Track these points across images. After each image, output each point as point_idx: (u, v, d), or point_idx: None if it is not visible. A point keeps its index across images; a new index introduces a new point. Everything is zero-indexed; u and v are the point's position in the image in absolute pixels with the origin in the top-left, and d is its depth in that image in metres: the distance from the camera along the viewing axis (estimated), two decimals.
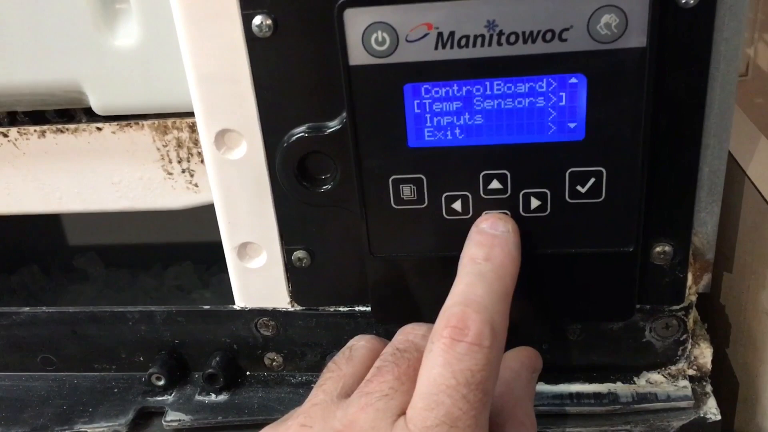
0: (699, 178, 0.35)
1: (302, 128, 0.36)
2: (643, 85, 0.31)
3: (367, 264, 0.37)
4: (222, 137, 0.37)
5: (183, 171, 0.47)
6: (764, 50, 0.65)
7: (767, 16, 0.64)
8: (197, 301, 0.67)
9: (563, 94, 0.32)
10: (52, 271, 0.71)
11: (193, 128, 0.45)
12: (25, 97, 0.44)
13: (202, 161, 0.46)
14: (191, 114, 0.44)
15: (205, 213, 0.48)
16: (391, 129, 0.34)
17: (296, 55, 0.34)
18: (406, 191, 0.35)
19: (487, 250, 0.33)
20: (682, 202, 0.35)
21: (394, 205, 0.35)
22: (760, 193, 0.41)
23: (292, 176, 0.37)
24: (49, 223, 0.74)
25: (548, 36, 0.31)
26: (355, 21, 0.31)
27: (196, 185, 0.47)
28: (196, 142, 0.46)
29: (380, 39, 0.32)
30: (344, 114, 0.34)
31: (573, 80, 0.32)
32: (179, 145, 0.46)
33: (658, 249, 0.37)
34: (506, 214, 0.35)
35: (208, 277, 0.69)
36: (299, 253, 0.39)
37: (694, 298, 0.39)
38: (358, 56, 0.32)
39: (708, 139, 0.34)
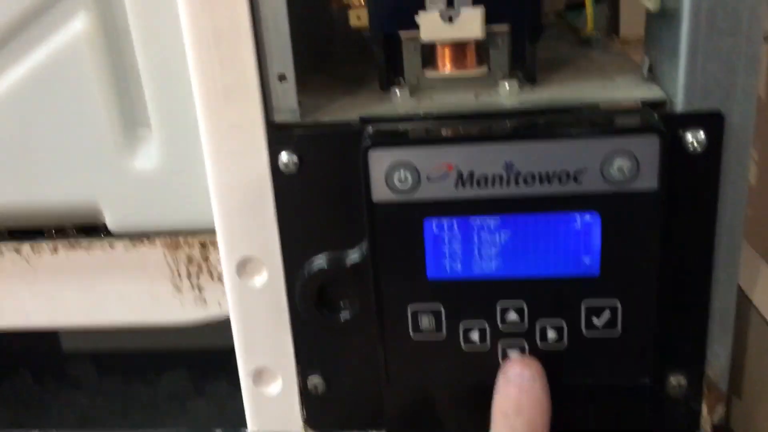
0: (711, 311, 0.36)
1: (322, 258, 0.37)
2: (655, 225, 0.33)
3: (384, 394, 0.38)
4: (244, 265, 0.38)
5: (192, 287, 0.48)
6: None
7: None
8: (191, 412, 0.66)
9: (578, 230, 0.33)
10: (45, 378, 0.70)
11: (204, 245, 0.46)
12: (42, 215, 0.46)
13: (211, 277, 0.47)
14: (202, 231, 0.45)
15: None
16: (410, 261, 0.35)
17: (319, 190, 0.35)
18: (425, 322, 0.36)
19: (516, 403, 0.34)
20: (695, 336, 0.36)
21: (412, 336, 0.36)
22: (766, 321, 0.42)
23: (312, 305, 0.37)
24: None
25: (563, 177, 0.32)
26: (380, 161, 0.33)
27: (204, 300, 0.48)
28: (206, 258, 0.47)
29: (403, 177, 0.33)
30: (364, 244, 0.35)
31: (587, 218, 0.33)
32: (189, 261, 0.47)
33: (672, 380, 0.37)
34: (534, 359, 0.36)
35: (203, 384, 0.68)
36: (314, 380, 0.39)
37: (709, 429, 0.39)
38: (381, 193, 0.33)
39: (718, 274, 0.35)
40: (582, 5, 0.39)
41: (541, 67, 0.38)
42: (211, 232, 0.45)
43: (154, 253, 0.47)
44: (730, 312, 0.36)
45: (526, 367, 0.35)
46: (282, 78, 0.34)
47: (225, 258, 0.38)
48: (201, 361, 0.69)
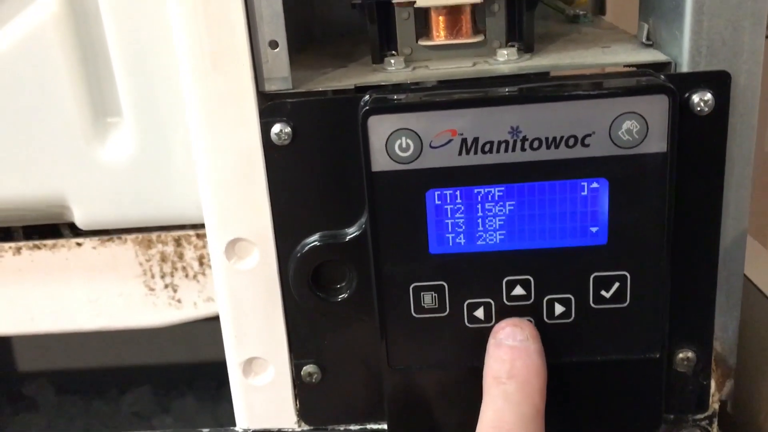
0: (718, 281, 0.35)
1: (317, 236, 0.35)
2: (664, 189, 0.32)
3: (384, 377, 0.36)
4: (233, 247, 0.36)
5: (166, 286, 0.46)
6: None
7: None
8: (158, 428, 0.63)
9: (586, 198, 0.32)
10: None
11: (178, 242, 0.44)
12: (7, 213, 0.43)
13: (186, 276, 0.45)
14: (177, 227, 0.43)
15: (163, 333, 0.46)
16: (412, 235, 0.33)
17: (313, 162, 0.34)
18: (427, 299, 0.34)
19: (509, 366, 0.32)
20: (703, 308, 0.35)
21: (414, 314, 0.34)
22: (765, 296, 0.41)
23: (306, 286, 0.35)
24: None
25: (571, 142, 0.31)
26: (380, 128, 0.31)
27: (178, 301, 0.46)
28: (181, 256, 0.45)
29: (404, 145, 0.32)
30: (362, 221, 0.34)
31: (595, 185, 0.32)
32: (163, 259, 0.45)
33: (681, 356, 0.36)
34: (527, 320, 0.34)
35: (168, 401, 0.65)
36: (309, 368, 0.37)
37: (717, 406, 0.38)
38: (381, 162, 0.32)
39: (726, 243, 0.34)
40: None
41: (536, 40, 0.37)
42: (187, 227, 0.43)
43: (125, 251, 0.44)
44: (738, 283, 0.35)
45: (518, 328, 0.33)
46: (274, 45, 0.33)
47: (213, 240, 0.36)
48: (166, 377, 0.67)
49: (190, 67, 0.33)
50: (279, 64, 0.33)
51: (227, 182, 0.34)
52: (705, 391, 0.37)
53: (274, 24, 0.32)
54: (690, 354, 0.36)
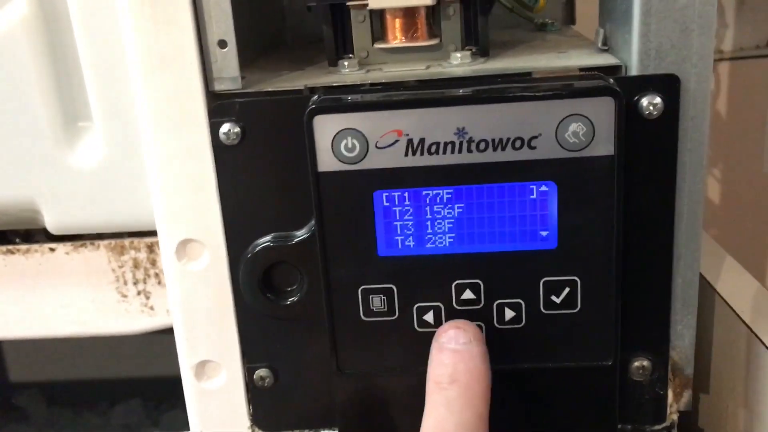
0: (673, 289, 0.34)
1: (268, 238, 0.35)
2: (613, 192, 0.31)
3: (334, 381, 0.35)
4: (184, 247, 0.36)
5: (138, 293, 0.45)
6: None
7: None
8: None
9: (534, 201, 0.32)
10: None
11: (151, 248, 0.44)
12: None
13: (159, 282, 0.45)
14: (150, 233, 0.43)
15: (155, 345, 0.45)
16: (360, 237, 0.33)
17: (263, 163, 0.34)
18: (376, 302, 0.34)
19: (451, 370, 0.31)
20: (657, 314, 0.35)
21: (363, 317, 0.34)
22: (732, 309, 0.41)
23: (256, 288, 0.35)
24: None
25: (518, 143, 0.31)
26: (325, 127, 0.31)
27: (151, 308, 0.46)
28: (154, 263, 0.45)
29: (350, 145, 0.31)
30: (312, 223, 0.34)
31: (543, 188, 0.32)
32: (136, 265, 0.45)
33: (636, 364, 0.35)
34: (470, 323, 0.33)
35: (158, 414, 0.65)
36: (262, 372, 0.37)
37: (675, 417, 0.37)
38: (327, 162, 0.32)
39: (679, 249, 0.34)
40: None
41: (495, 46, 0.37)
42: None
43: (97, 257, 0.44)
44: (693, 291, 0.35)
45: (461, 330, 0.32)
46: (222, 44, 0.33)
47: (163, 241, 0.36)
48: (155, 390, 0.66)
49: (140, 65, 0.33)
50: (228, 64, 0.33)
51: (177, 182, 0.34)
52: (662, 402, 0.36)
53: (222, 23, 0.32)
54: (645, 362, 0.35)
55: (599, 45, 0.36)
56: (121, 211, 0.41)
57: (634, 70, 0.32)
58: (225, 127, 0.33)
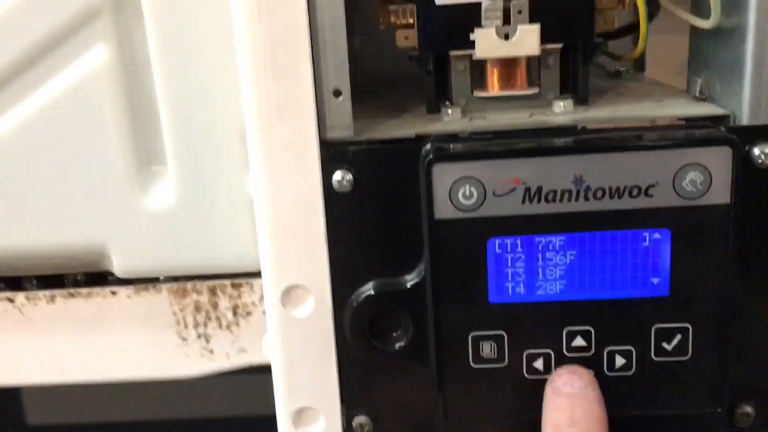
0: None
1: (373, 284, 0.35)
2: (728, 241, 0.32)
3: (439, 429, 0.35)
4: (288, 294, 0.36)
5: (198, 336, 0.45)
6: None
7: None
8: None
9: (648, 249, 0.32)
10: None
11: (213, 291, 0.44)
12: (43, 261, 0.43)
13: (219, 326, 0.45)
14: (213, 276, 0.43)
15: (190, 387, 0.45)
16: (472, 284, 0.33)
17: (374, 210, 0.34)
18: (486, 349, 0.34)
19: (569, 414, 0.31)
20: (763, 361, 0.35)
21: (472, 364, 0.34)
22: None
23: (362, 334, 0.35)
24: (8, 399, 0.69)
25: (635, 192, 0.31)
26: (444, 176, 0.32)
27: (211, 351, 0.45)
28: (215, 306, 0.45)
29: (468, 193, 0.32)
30: (420, 268, 0.34)
31: (657, 235, 0.32)
32: (197, 309, 0.45)
33: (740, 411, 0.35)
34: (584, 368, 0.34)
35: None
36: (361, 419, 0.37)
37: None
38: (444, 210, 0.32)
39: None
40: (631, 30, 0.39)
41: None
42: (224, 276, 0.43)
43: (159, 300, 0.44)
44: None
45: (575, 375, 0.33)
46: (337, 93, 0.33)
47: (269, 287, 0.36)
48: None
49: (256, 116, 0.33)
50: (342, 113, 0.33)
51: (286, 229, 0.34)
52: None
53: (339, 72, 0.33)
54: (749, 409, 0.35)
55: (696, 94, 0.37)
56: (189, 255, 0.41)
57: (744, 119, 0.32)
58: (338, 175, 0.33)
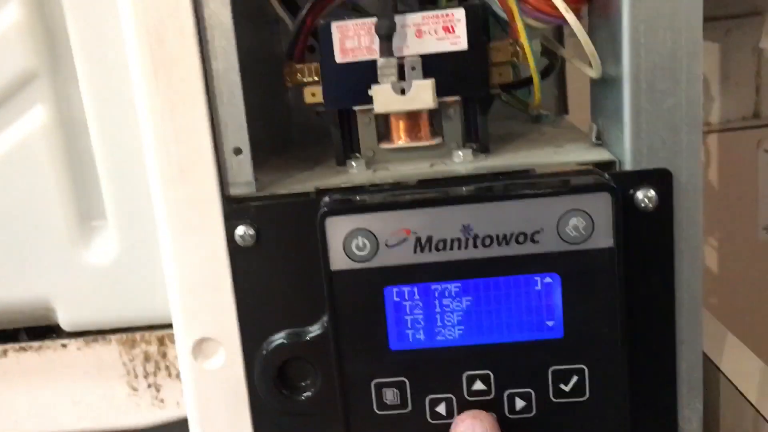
0: (678, 373, 0.35)
1: (282, 335, 0.36)
2: (614, 283, 0.33)
3: None
4: (200, 346, 0.37)
5: (149, 386, 0.46)
6: None
7: None
8: None
9: (540, 293, 0.33)
10: None
11: (161, 341, 0.45)
12: None
13: (169, 375, 0.45)
14: (161, 326, 0.44)
15: None
16: (372, 332, 0.34)
17: (277, 263, 0.35)
18: (389, 395, 0.34)
19: None
20: (664, 400, 0.35)
21: (377, 411, 0.35)
22: (737, 390, 0.41)
23: (271, 384, 0.36)
24: None
25: (521, 238, 0.32)
26: (337, 228, 0.33)
27: (161, 401, 0.46)
28: (164, 355, 0.46)
29: (361, 245, 0.33)
30: (325, 319, 0.35)
31: (548, 279, 0.33)
32: (146, 358, 0.45)
33: None
34: (486, 412, 0.34)
35: None
36: None
37: None
38: (339, 261, 0.33)
39: (682, 334, 0.35)
40: (530, 82, 0.40)
41: (494, 140, 0.39)
42: (170, 326, 0.44)
43: (109, 351, 0.45)
44: (698, 375, 0.36)
45: (477, 420, 0.33)
46: (237, 151, 0.34)
47: (180, 339, 0.37)
48: None
49: (159, 174, 0.34)
50: (243, 170, 0.35)
51: (193, 283, 0.36)
52: None
53: (238, 132, 0.34)
54: None
55: (593, 139, 0.38)
56: (134, 307, 0.42)
57: (628, 165, 0.34)
58: (240, 230, 0.34)
